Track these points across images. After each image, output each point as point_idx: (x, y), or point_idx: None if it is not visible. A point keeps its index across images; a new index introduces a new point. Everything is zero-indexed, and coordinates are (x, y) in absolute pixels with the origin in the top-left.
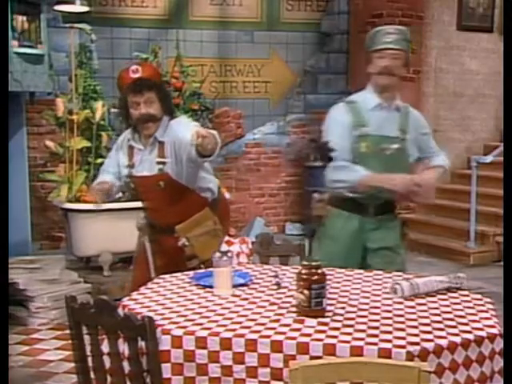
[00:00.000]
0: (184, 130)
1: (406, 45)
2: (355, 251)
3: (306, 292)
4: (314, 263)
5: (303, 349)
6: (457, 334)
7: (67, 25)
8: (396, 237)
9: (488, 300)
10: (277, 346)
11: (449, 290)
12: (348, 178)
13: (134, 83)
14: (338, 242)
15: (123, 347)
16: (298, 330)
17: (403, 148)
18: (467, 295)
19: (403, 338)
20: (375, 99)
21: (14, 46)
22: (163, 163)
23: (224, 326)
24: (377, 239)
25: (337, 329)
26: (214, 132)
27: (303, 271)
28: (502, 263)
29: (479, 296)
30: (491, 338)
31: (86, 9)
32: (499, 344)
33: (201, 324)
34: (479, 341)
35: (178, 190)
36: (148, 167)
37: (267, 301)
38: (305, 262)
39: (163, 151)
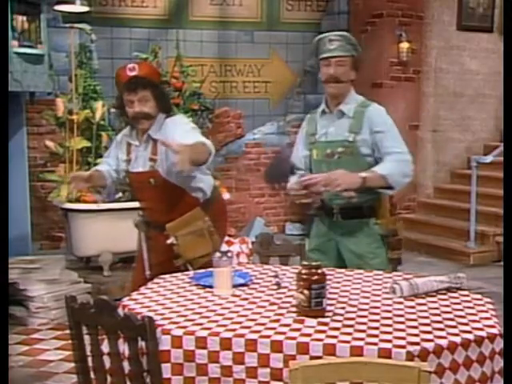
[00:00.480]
0: (178, 131)
1: (351, 49)
2: (328, 254)
3: (306, 292)
4: (313, 263)
5: (303, 349)
6: (457, 334)
7: (67, 25)
8: (369, 244)
9: (488, 300)
10: (277, 346)
11: (449, 289)
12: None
13: (129, 81)
14: (314, 244)
15: (123, 347)
16: (298, 330)
17: (353, 150)
18: (467, 295)
19: (403, 338)
20: (322, 106)
21: (14, 46)
22: (154, 160)
23: (224, 325)
24: (347, 245)
25: (337, 329)
26: (206, 141)
27: (303, 271)
28: (502, 263)
29: (479, 296)
30: (491, 338)
31: (86, 9)
32: (499, 344)
33: (201, 324)
34: (479, 341)
35: (168, 189)
36: (142, 164)
37: (267, 301)
38: (305, 262)
39: (156, 149)
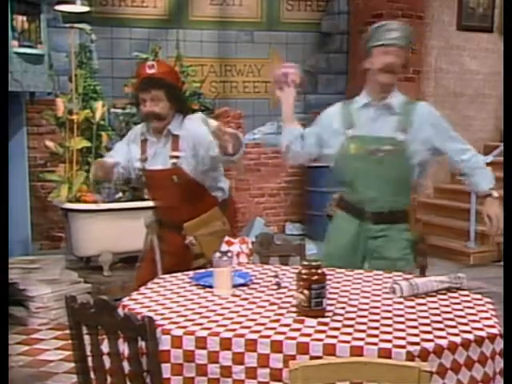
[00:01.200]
0: (201, 125)
1: (408, 42)
2: (352, 257)
3: (306, 292)
4: (313, 263)
5: (303, 349)
6: (457, 334)
7: (67, 25)
8: (400, 250)
9: (488, 300)
10: (277, 346)
11: (449, 289)
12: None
13: (143, 80)
14: (336, 244)
15: (123, 347)
16: (298, 330)
17: (400, 150)
18: (467, 295)
19: (403, 338)
20: (365, 97)
21: (14, 46)
22: (177, 157)
23: (224, 325)
24: (376, 249)
25: (337, 329)
26: (239, 133)
27: (303, 271)
28: (501, 263)
29: (479, 296)
30: (491, 338)
31: (86, 9)
32: (499, 344)
33: (201, 324)
34: (479, 341)
35: (191, 186)
36: (162, 161)
37: (267, 301)
38: (305, 262)
39: (177, 145)
